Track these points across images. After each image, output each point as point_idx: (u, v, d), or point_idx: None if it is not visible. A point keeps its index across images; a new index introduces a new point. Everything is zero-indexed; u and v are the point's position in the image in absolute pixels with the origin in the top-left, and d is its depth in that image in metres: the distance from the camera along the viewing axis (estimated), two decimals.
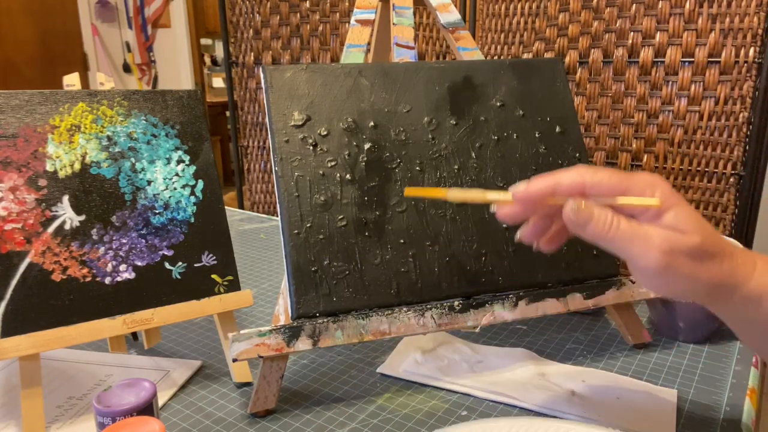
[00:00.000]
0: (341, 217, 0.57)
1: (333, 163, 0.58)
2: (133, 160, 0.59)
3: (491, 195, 0.41)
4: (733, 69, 1.17)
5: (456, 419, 0.53)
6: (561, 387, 0.57)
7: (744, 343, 0.43)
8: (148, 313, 0.56)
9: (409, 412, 0.55)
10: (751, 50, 1.15)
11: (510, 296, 0.57)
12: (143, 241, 0.58)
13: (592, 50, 1.31)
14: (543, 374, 0.59)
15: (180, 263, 0.59)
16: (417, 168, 0.59)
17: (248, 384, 0.60)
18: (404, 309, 0.55)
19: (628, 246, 0.37)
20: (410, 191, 0.44)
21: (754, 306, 0.38)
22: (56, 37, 3.72)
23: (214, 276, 0.60)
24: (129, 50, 3.97)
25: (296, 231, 0.55)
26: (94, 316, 0.54)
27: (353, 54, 0.65)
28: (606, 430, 0.44)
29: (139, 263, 0.57)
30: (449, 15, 0.70)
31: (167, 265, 0.59)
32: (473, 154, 0.61)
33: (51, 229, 0.54)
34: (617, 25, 1.27)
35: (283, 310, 0.56)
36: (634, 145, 1.30)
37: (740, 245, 0.39)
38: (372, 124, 0.60)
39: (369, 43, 0.67)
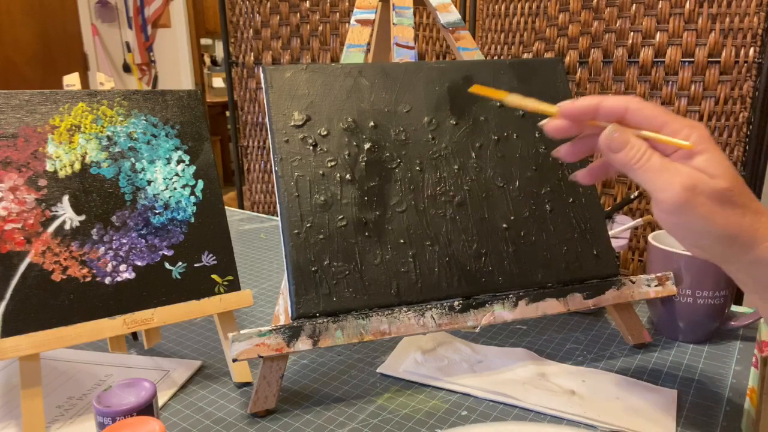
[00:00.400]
0: (341, 217, 0.57)
1: (333, 163, 0.58)
2: (133, 160, 0.59)
3: (544, 105, 0.44)
4: (733, 69, 1.17)
5: (456, 419, 0.53)
6: (561, 387, 0.57)
7: (761, 312, 0.43)
8: (148, 313, 0.56)
9: (409, 412, 0.55)
10: (751, 50, 1.15)
11: (510, 296, 0.57)
12: (143, 241, 0.58)
13: (592, 50, 1.31)
14: (543, 374, 0.59)
15: (180, 263, 0.59)
16: (417, 168, 0.59)
17: (248, 384, 0.60)
18: (404, 309, 0.55)
19: (654, 177, 0.38)
20: (476, 89, 0.46)
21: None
22: (56, 37, 3.72)
23: (214, 276, 0.60)
24: (129, 50, 3.97)
25: (296, 231, 0.55)
26: (94, 316, 0.54)
27: (353, 54, 0.65)
28: None
29: (139, 263, 0.57)
30: (449, 15, 0.70)
31: (167, 265, 0.59)
32: (473, 154, 0.61)
33: (51, 229, 0.54)
34: (617, 25, 1.27)
35: (283, 310, 0.56)
36: None
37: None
38: (372, 124, 0.60)
39: (369, 43, 0.67)
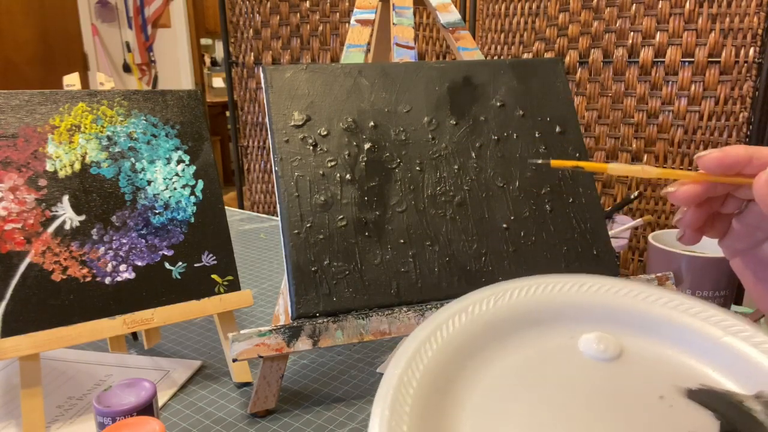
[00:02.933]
0: (341, 217, 0.57)
1: (333, 163, 0.58)
2: (133, 160, 0.59)
3: (660, 170, 0.37)
4: (733, 69, 1.17)
5: None
6: None
7: None
8: (148, 313, 0.56)
9: None
10: (751, 50, 1.15)
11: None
12: (143, 241, 0.58)
13: (592, 50, 1.31)
14: None
15: (180, 263, 0.59)
16: (417, 168, 0.59)
17: (248, 384, 0.60)
18: (404, 309, 0.55)
19: None
20: (557, 163, 0.39)
21: None
22: (56, 37, 3.73)
23: (214, 276, 0.60)
24: (129, 50, 3.97)
25: (296, 231, 0.55)
26: (94, 316, 0.54)
27: (353, 54, 0.65)
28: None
29: (139, 263, 0.57)
30: (449, 15, 0.70)
31: (167, 265, 0.59)
32: (473, 154, 0.61)
33: (51, 229, 0.54)
34: (617, 25, 1.27)
35: (283, 310, 0.56)
36: (634, 145, 1.30)
37: None
38: (372, 124, 0.60)
39: (369, 43, 0.67)
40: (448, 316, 0.39)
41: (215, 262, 0.61)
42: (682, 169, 1.25)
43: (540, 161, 0.43)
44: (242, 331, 0.52)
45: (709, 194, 0.37)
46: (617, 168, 0.38)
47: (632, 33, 1.25)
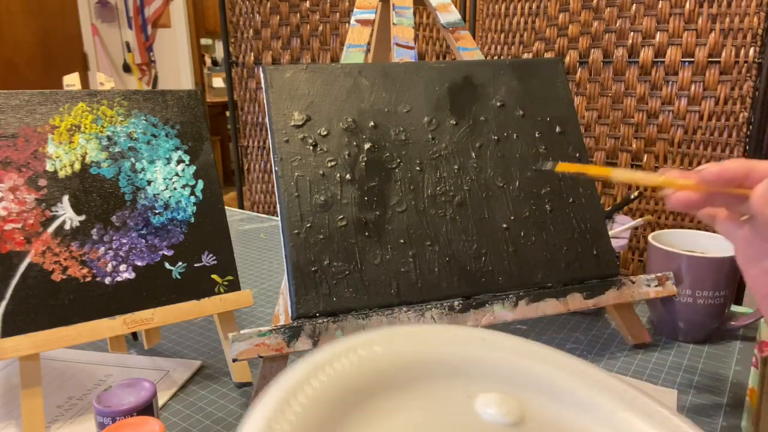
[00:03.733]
0: (341, 217, 0.57)
1: (333, 163, 0.58)
2: (133, 160, 0.59)
3: (662, 179, 0.37)
4: (733, 69, 1.17)
5: None
6: None
7: None
8: (148, 313, 0.56)
9: None
10: (751, 50, 1.15)
11: (510, 296, 0.57)
12: (143, 241, 0.58)
13: (592, 50, 1.31)
14: None
15: (180, 263, 0.59)
16: (417, 168, 0.59)
17: (248, 384, 0.60)
18: (404, 309, 0.55)
19: None
20: (564, 167, 0.39)
21: None
22: (56, 37, 3.72)
23: (214, 276, 0.60)
24: (129, 50, 3.97)
25: (296, 231, 0.55)
26: (94, 316, 0.54)
27: (353, 54, 0.65)
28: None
29: (139, 263, 0.57)
30: (449, 15, 0.70)
31: (167, 265, 0.59)
32: (473, 154, 0.61)
33: (51, 229, 0.54)
34: (617, 25, 1.27)
35: (283, 310, 0.56)
36: (634, 145, 1.30)
37: None
38: (372, 124, 0.60)
39: (369, 43, 0.67)
40: (333, 357, 0.33)
41: (215, 262, 0.61)
42: (682, 168, 1.25)
43: (545, 167, 0.42)
44: (242, 331, 0.52)
45: (707, 204, 0.38)
46: (621, 174, 0.38)
47: (632, 33, 1.25)
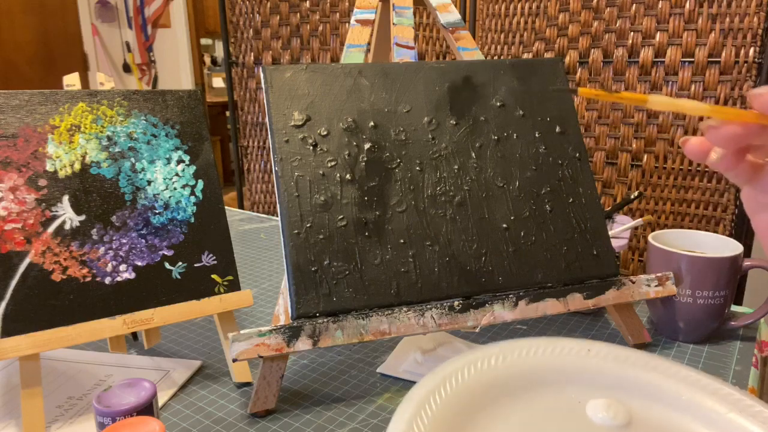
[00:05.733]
0: (341, 217, 0.57)
1: (333, 163, 0.58)
2: (133, 160, 0.59)
3: (710, 106, 0.32)
4: (733, 69, 1.17)
5: None
6: None
7: None
8: (148, 313, 0.56)
9: None
10: (751, 50, 1.15)
11: (510, 296, 0.57)
12: (143, 241, 0.58)
13: (592, 50, 1.31)
14: None
15: (180, 263, 0.59)
16: (417, 168, 0.59)
17: (248, 384, 0.60)
18: (404, 309, 0.55)
19: None
20: (585, 92, 0.33)
21: None
22: (56, 38, 3.72)
23: (214, 276, 0.60)
24: (129, 50, 3.97)
25: (296, 231, 0.55)
26: (94, 316, 0.54)
27: (353, 54, 0.65)
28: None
29: (139, 263, 0.57)
30: (449, 15, 0.70)
31: (167, 265, 0.59)
32: (473, 154, 0.61)
33: (51, 229, 0.54)
34: (617, 25, 1.27)
35: (283, 310, 0.56)
36: (634, 145, 1.30)
37: None
38: (372, 124, 0.60)
39: (369, 43, 0.67)
40: (456, 369, 0.39)
41: (215, 262, 0.61)
42: (681, 169, 1.25)
43: (567, 88, 0.38)
44: (242, 331, 0.52)
45: (751, 140, 0.32)
46: (659, 101, 0.33)
47: (632, 33, 1.25)
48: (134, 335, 0.70)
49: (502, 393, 0.39)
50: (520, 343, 0.43)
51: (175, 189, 0.61)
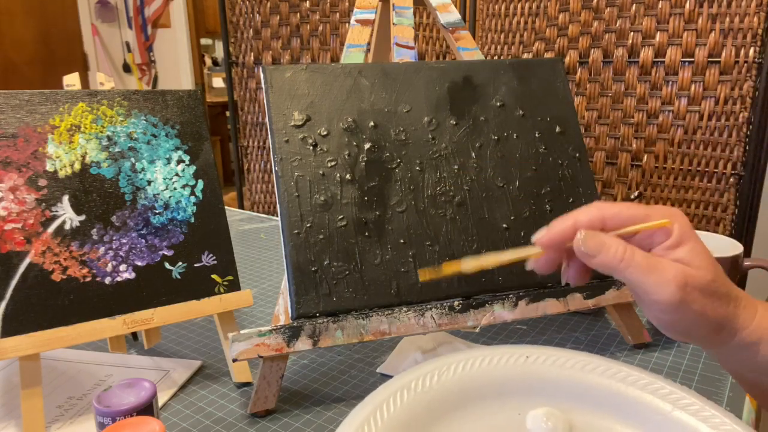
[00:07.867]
0: (341, 217, 0.57)
1: (333, 163, 0.58)
2: (133, 160, 0.59)
3: (508, 255, 0.40)
4: (733, 69, 1.17)
5: None
6: None
7: (741, 386, 0.43)
8: (148, 313, 0.56)
9: None
10: (751, 50, 1.15)
11: (510, 296, 0.57)
12: (143, 241, 0.58)
13: (592, 50, 1.31)
14: None
15: (180, 263, 0.59)
16: (417, 168, 0.59)
17: (248, 384, 0.60)
18: (404, 309, 0.55)
19: (642, 278, 0.36)
20: (425, 275, 0.42)
21: (753, 350, 0.37)
22: (56, 37, 3.72)
23: (214, 276, 0.60)
24: (129, 50, 3.97)
25: (296, 231, 0.55)
26: (94, 316, 0.54)
27: (353, 54, 0.65)
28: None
29: (139, 263, 0.57)
30: (449, 15, 0.70)
31: (167, 265, 0.59)
32: (473, 154, 0.61)
33: (51, 229, 0.54)
34: (617, 25, 1.27)
35: (283, 310, 0.56)
36: (634, 145, 1.30)
37: (743, 291, 0.39)
38: (372, 124, 0.60)
39: (369, 43, 0.67)
40: (389, 394, 0.37)
41: (215, 262, 0.61)
42: (681, 169, 1.25)
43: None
44: (242, 331, 0.52)
45: (561, 258, 0.41)
46: (470, 265, 0.41)
47: (632, 33, 1.25)
48: (134, 335, 0.70)
49: (440, 414, 0.38)
50: (454, 358, 0.41)
51: (175, 189, 0.61)
